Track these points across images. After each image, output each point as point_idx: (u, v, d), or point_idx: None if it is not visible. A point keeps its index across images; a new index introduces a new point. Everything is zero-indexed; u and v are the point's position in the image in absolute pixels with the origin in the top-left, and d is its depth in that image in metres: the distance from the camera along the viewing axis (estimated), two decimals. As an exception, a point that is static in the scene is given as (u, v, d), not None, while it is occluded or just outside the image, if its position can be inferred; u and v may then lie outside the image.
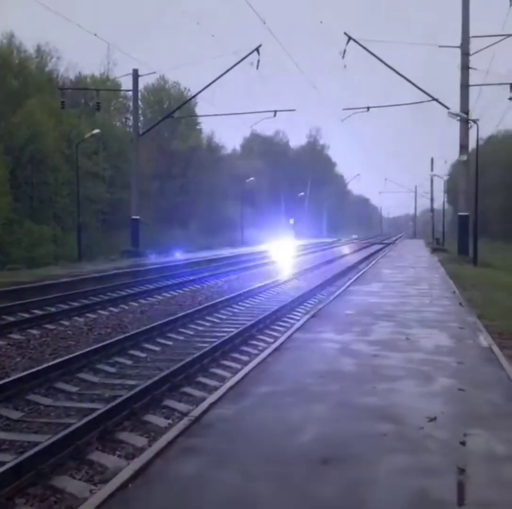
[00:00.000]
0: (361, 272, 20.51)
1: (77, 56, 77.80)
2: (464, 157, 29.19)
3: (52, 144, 35.69)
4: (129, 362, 8.40)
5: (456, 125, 29.01)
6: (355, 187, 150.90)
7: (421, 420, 4.91)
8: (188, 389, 6.92)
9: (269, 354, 7.49)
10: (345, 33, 27.52)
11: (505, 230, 59.03)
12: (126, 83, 38.19)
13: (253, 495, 3.65)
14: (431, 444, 4.41)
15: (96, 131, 33.18)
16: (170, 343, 9.71)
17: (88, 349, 8.45)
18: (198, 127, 59.59)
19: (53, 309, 12.76)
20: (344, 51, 27.55)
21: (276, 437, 4.61)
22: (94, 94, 35.66)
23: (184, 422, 4.92)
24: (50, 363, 7.59)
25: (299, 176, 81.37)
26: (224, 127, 79.09)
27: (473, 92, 29.06)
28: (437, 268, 23.18)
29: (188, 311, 11.96)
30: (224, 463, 4.10)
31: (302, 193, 78.24)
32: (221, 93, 78.69)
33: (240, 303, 14.02)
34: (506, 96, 27.39)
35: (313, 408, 5.29)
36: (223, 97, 74.78)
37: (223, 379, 7.25)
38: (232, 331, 9.84)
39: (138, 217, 32.96)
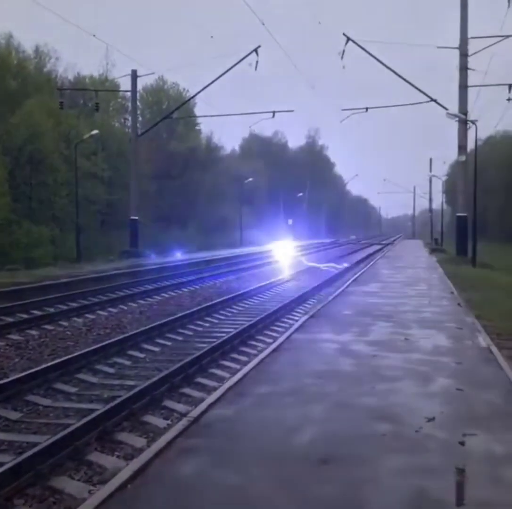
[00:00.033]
0: (360, 272, 20.51)
1: (76, 56, 77.54)
2: (463, 158, 29.23)
3: (51, 144, 35.69)
4: (128, 363, 8.39)
5: (454, 125, 29.10)
6: (354, 188, 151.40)
7: (420, 420, 4.92)
8: (187, 390, 6.91)
9: (268, 355, 7.50)
10: (343, 34, 27.60)
11: (504, 231, 59.14)
12: (125, 84, 38.34)
13: (253, 495, 3.65)
14: (430, 444, 4.42)
15: (95, 131, 33.19)
16: (169, 343, 9.70)
17: (87, 349, 8.44)
18: (197, 127, 59.70)
19: (52, 310, 12.74)
20: (343, 51, 27.65)
21: (276, 437, 4.61)
22: (93, 94, 35.66)
23: (183, 422, 4.92)
24: (49, 364, 7.58)
25: (298, 177, 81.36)
26: (223, 127, 79.10)
27: (471, 93, 29.33)
28: (436, 268, 23.20)
29: (187, 312, 11.95)
30: (223, 464, 4.10)
31: (301, 194, 78.25)
32: (220, 94, 78.72)
33: (239, 304, 14.02)
34: (504, 97, 27.51)
35: (312, 409, 5.29)
36: (222, 98, 74.72)
37: (222, 380, 7.25)
38: (231, 332, 9.83)
39: (137, 217, 32.95)
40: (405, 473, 3.93)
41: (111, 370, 7.96)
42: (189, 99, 44.28)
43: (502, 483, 3.78)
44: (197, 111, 54.17)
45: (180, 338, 10.18)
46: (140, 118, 50.33)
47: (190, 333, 10.63)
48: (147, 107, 55.85)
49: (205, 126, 62.91)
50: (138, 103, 43.04)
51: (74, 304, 13.61)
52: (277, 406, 5.39)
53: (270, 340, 9.49)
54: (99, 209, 40.59)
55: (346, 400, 5.55)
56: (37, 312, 12.43)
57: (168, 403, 6.40)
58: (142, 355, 8.83)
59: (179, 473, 3.95)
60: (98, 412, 5.51)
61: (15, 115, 34.58)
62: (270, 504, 3.54)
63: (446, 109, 27.61)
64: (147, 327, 10.15)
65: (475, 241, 25.98)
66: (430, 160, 67.74)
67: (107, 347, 8.67)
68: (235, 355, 8.70)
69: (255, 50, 27.39)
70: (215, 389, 6.48)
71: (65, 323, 11.43)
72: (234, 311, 13.17)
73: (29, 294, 14.83)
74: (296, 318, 11.67)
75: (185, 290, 17.35)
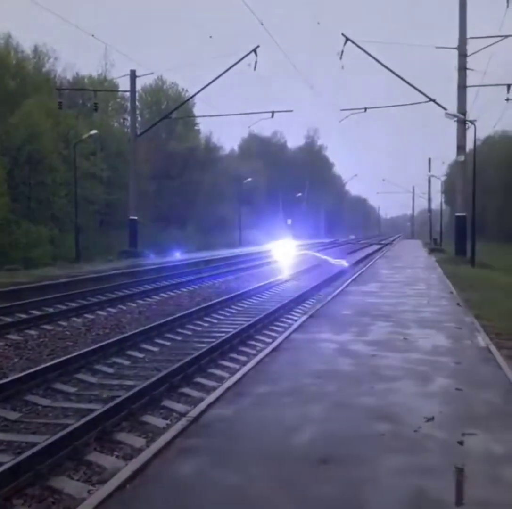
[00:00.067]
0: (359, 272, 20.52)
1: (74, 56, 77.82)
2: (462, 158, 29.25)
3: (50, 144, 35.69)
4: (127, 363, 8.39)
5: (453, 126, 29.11)
6: (353, 188, 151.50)
7: (419, 420, 4.92)
8: (186, 390, 6.91)
9: (267, 354, 7.49)
10: (342, 34, 27.59)
11: (503, 231, 59.20)
12: (124, 84, 38.38)
13: (252, 495, 3.65)
14: (429, 444, 4.42)
15: (93, 131, 33.17)
16: (168, 343, 9.70)
17: (86, 349, 8.44)
18: (196, 127, 59.72)
19: (51, 310, 12.74)
20: (342, 52, 27.64)
21: (275, 437, 4.61)
22: (92, 94, 35.70)
23: (182, 422, 4.92)
24: (48, 364, 7.57)
25: (297, 177, 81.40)
26: (222, 127, 79.15)
27: (470, 93, 29.21)
28: (435, 268, 23.21)
29: (186, 312, 11.95)
30: (222, 463, 4.10)
31: (300, 194, 78.28)
32: (219, 94, 78.69)
33: (238, 304, 14.02)
34: (503, 97, 27.51)
35: (311, 408, 5.29)
36: (221, 98, 74.76)
37: (221, 380, 7.25)
38: (230, 332, 9.83)
39: (136, 217, 32.94)
40: (404, 473, 3.93)
41: (110, 370, 7.96)
42: (188, 99, 44.24)
43: (501, 483, 3.78)
44: (196, 111, 54.26)
45: (179, 338, 10.18)
46: (139, 118, 50.41)
47: (189, 333, 10.63)
48: (146, 107, 55.87)
49: (204, 126, 62.93)
50: (137, 103, 43.09)
51: (73, 304, 13.60)
52: (276, 406, 5.39)
53: (269, 340, 9.49)
54: (98, 209, 40.59)
55: (345, 400, 5.55)
56: (36, 312, 12.42)
57: (167, 403, 6.40)
58: (141, 355, 8.83)
59: (178, 473, 3.94)
60: (97, 412, 5.51)
61: (14, 115, 34.58)
62: (269, 504, 3.54)
63: (445, 109, 27.62)
64: (146, 327, 10.15)
65: (474, 241, 25.99)
66: (429, 160, 67.82)
67: (106, 347, 8.67)
68: (234, 355, 8.70)
69: (254, 50, 27.39)
70: (214, 389, 6.48)
71: (64, 323, 11.42)
72: (233, 311, 13.17)
73: (28, 294, 14.82)
74: (295, 318, 11.68)
75: (184, 290, 17.35)
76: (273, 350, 7.78)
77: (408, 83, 28.79)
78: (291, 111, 37.05)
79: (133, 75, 33.20)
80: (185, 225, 48.66)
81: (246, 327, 10.16)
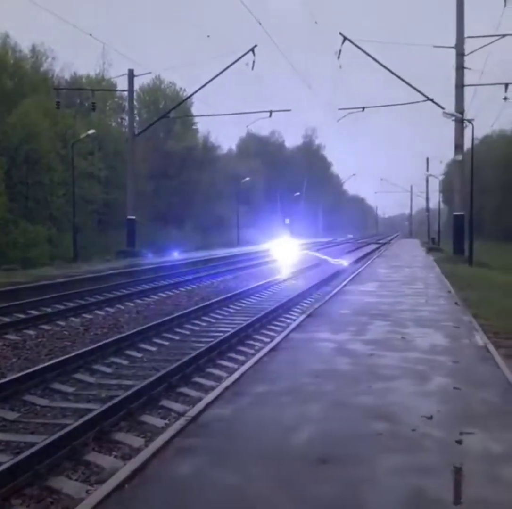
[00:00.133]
0: (357, 271, 20.53)
1: (72, 56, 77.57)
2: (459, 157, 29.28)
3: (48, 144, 35.62)
4: (125, 362, 8.39)
5: (451, 125, 29.13)
6: (351, 187, 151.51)
7: (417, 419, 4.93)
8: (184, 389, 6.91)
9: (266, 354, 7.50)
10: (340, 33, 27.64)
11: (500, 230, 59.28)
12: (122, 83, 38.29)
13: (251, 495, 3.65)
14: (427, 443, 4.43)
15: (91, 131, 33.14)
16: (166, 343, 9.70)
17: (84, 349, 8.43)
18: (194, 127, 59.64)
19: (49, 310, 12.73)
20: (340, 51, 27.71)
21: (273, 437, 4.61)
22: (90, 94, 35.69)
23: (181, 422, 4.92)
24: (46, 364, 7.57)
25: (295, 176, 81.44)
26: (220, 127, 79.15)
27: (468, 92, 29.19)
28: (433, 267, 23.24)
29: (184, 311, 11.95)
30: (221, 463, 4.10)
31: (298, 193, 78.28)
32: (217, 93, 78.64)
33: (236, 303, 14.02)
34: (501, 96, 27.56)
35: (309, 408, 5.30)
36: (219, 97, 74.67)
37: (219, 379, 7.25)
38: (228, 331, 9.84)
39: (134, 217, 32.93)
40: (403, 472, 3.93)
41: (109, 370, 7.96)
42: (186, 99, 44.13)
43: (500, 482, 3.79)
44: (194, 110, 54.15)
45: (177, 337, 10.17)
46: (137, 118, 50.33)
47: (187, 332, 10.62)
48: (144, 107, 55.79)
49: (202, 126, 62.73)
50: (135, 103, 43.04)
51: (71, 304, 13.59)
52: (275, 405, 5.39)
53: (267, 339, 9.49)
54: (96, 208, 40.53)
55: (343, 399, 5.56)
56: (34, 312, 12.41)
57: (166, 402, 6.40)
58: (139, 355, 8.83)
59: (177, 473, 3.95)
60: (95, 412, 5.51)
61: (11, 114, 34.50)
62: (268, 503, 3.54)
63: (442, 108, 27.62)
64: (144, 327, 10.15)
65: (472, 240, 26.03)
66: (427, 159, 67.96)
67: (104, 347, 8.66)
68: (232, 355, 8.70)
69: (252, 50, 27.41)
70: (212, 388, 6.48)
71: (62, 323, 11.41)
72: (231, 310, 13.17)
73: (26, 294, 14.81)
74: (294, 317, 11.69)
75: (182, 289, 17.34)
76: (272, 349, 7.79)
77: (406, 82, 28.85)
78: (289, 110, 37.13)
79: (131, 75, 33.19)
80: (183, 224, 48.60)
81: (244, 327, 10.16)
